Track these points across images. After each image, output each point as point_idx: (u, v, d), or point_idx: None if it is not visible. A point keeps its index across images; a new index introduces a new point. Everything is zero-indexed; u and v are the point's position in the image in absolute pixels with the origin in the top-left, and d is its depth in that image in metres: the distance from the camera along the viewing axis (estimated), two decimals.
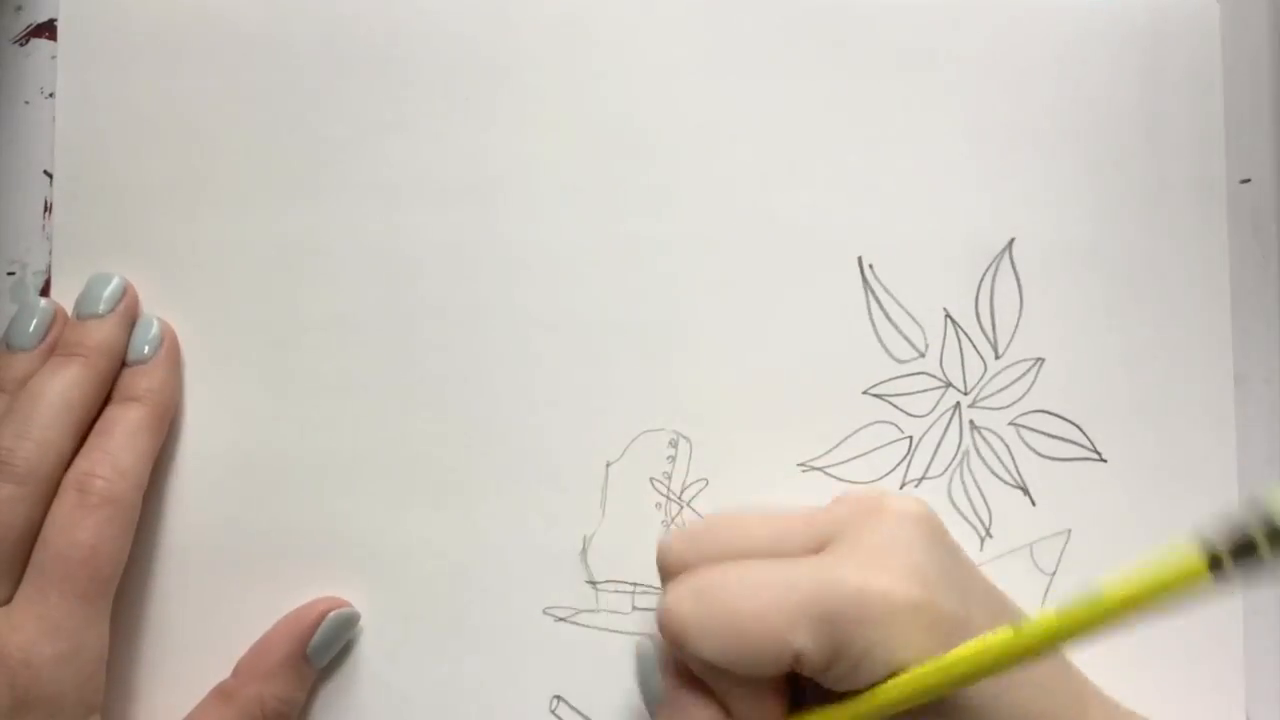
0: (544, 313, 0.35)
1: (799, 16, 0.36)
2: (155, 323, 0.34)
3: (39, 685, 0.29)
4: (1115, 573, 0.21)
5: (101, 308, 0.34)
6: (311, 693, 0.34)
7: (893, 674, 0.25)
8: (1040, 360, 0.35)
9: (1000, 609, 0.28)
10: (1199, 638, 0.34)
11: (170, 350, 0.34)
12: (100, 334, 0.33)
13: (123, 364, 0.34)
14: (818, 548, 0.28)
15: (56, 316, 0.34)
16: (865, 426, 0.35)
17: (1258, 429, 0.35)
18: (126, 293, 0.34)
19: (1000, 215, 0.35)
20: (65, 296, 0.35)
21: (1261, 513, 0.17)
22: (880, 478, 0.34)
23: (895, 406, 0.35)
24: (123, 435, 0.32)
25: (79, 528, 0.30)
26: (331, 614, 0.33)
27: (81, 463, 0.32)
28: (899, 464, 0.35)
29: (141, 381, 0.33)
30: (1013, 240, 0.35)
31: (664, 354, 0.35)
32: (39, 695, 0.29)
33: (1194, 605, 0.19)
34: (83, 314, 0.34)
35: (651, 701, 0.30)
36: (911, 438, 0.35)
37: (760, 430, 0.35)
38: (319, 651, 0.33)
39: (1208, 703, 0.34)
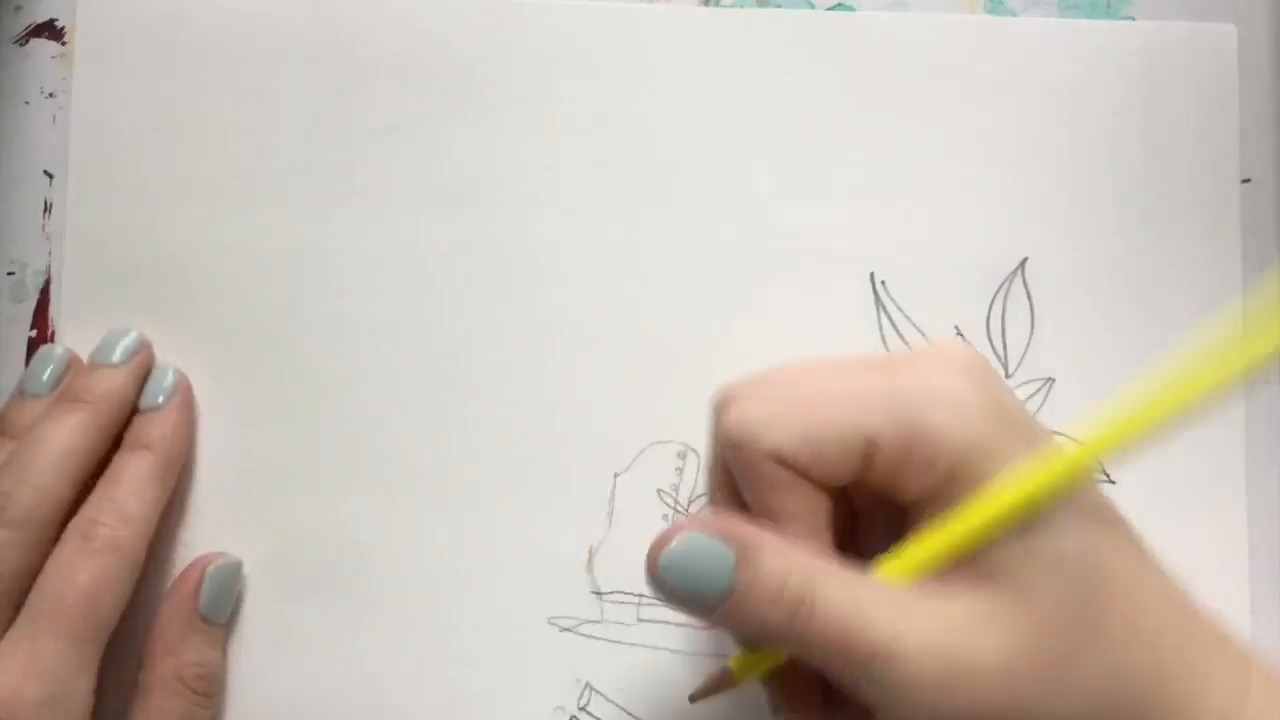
0: (553, 321, 0.35)
1: (812, 33, 0.35)
2: (171, 373, 0.34)
3: None
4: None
5: (116, 357, 0.33)
6: (312, 698, 0.34)
7: (966, 469, 0.25)
8: (1050, 380, 0.35)
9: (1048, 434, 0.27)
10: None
11: (184, 399, 0.34)
12: (109, 383, 0.33)
13: (134, 413, 0.33)
14: None
15: (71, 364, 0.34)
16: None
17: (1259, 429, 0.35)
18: (141, 346, 0.34)
19: (1013, 235, 0.35)
20: (72, 299, 0.35)
21: None
22: None
23: None
24: (130, 482, 0.32)
25: (77, 570, 0.30)
26: (211, 568, 0.33)
27: (87, 510, 0.31)
28: None
29: (152, 429, 0.33)
30: (1025, 260, 0.35)
31: (674, 365, 0.35)
32: None
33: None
34: (96, 362, 0.33)
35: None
36: None
37: None
38: (213, 607, 0.33)
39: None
